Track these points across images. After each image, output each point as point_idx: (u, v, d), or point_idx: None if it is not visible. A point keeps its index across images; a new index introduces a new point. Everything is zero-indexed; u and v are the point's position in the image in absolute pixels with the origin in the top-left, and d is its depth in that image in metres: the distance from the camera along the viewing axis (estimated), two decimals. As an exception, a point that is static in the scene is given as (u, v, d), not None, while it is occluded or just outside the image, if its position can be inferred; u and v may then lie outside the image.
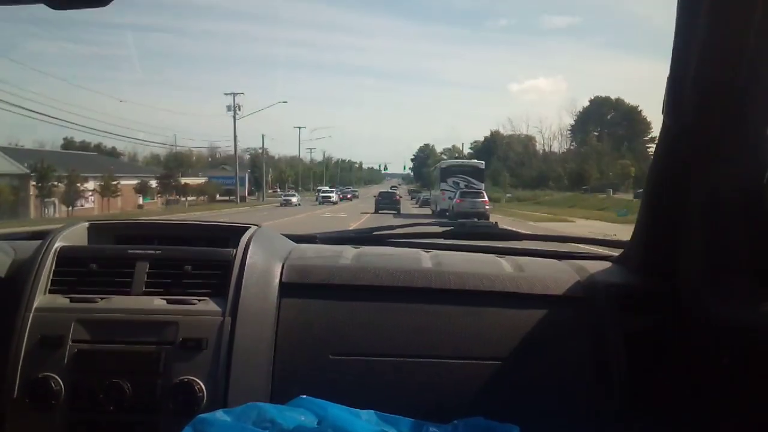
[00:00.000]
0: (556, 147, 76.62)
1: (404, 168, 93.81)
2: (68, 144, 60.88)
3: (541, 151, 76.89)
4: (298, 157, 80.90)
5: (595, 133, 70.59)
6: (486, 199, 29.35)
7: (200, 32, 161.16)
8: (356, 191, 79.38)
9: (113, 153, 51.96)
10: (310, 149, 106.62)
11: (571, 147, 74.72)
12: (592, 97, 75.15)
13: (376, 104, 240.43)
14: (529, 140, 77.77)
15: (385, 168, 78.67)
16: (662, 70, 1.11)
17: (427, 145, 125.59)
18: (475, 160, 40.09)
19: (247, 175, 55.90)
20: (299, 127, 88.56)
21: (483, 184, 34.80)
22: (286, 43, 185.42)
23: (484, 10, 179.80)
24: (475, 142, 79.02)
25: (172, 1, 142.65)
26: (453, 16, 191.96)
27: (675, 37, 1.06)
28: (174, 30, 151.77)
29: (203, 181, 53.92)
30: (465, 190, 31.08)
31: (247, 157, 78.93)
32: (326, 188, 59.60)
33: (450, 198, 31.30)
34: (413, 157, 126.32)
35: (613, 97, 71.05)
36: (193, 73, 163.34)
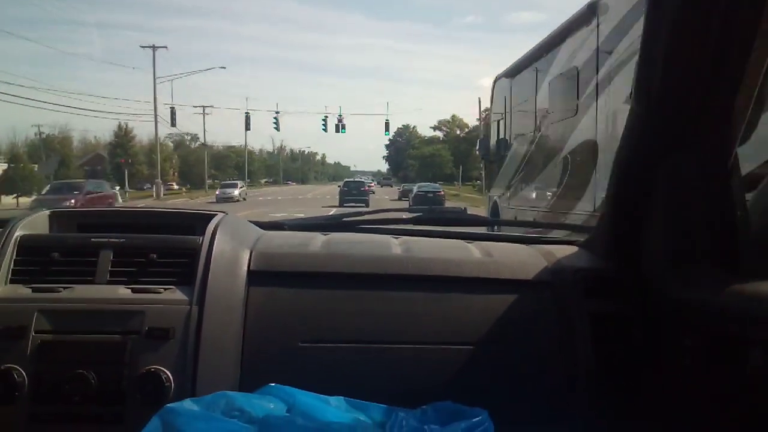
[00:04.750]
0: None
1: (384, 133, 63.31)
2: None
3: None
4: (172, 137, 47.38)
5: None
6: None
7: (157, 29, 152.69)
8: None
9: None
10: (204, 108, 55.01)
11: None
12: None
13: (338, 102, 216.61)
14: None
15: (342, 129, 43.33)
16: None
17: (407, 126, 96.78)
18: None
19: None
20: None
21: None
22: (244, 39, 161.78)
23: (449, 8, 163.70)
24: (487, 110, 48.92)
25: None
26: (417, 14, 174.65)
27: (644, 25, 1.07)
28: (133, 26, 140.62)
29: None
30: None
31: (170, 144, 62.93)
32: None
33: None
34: (388, 142, 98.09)
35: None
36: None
